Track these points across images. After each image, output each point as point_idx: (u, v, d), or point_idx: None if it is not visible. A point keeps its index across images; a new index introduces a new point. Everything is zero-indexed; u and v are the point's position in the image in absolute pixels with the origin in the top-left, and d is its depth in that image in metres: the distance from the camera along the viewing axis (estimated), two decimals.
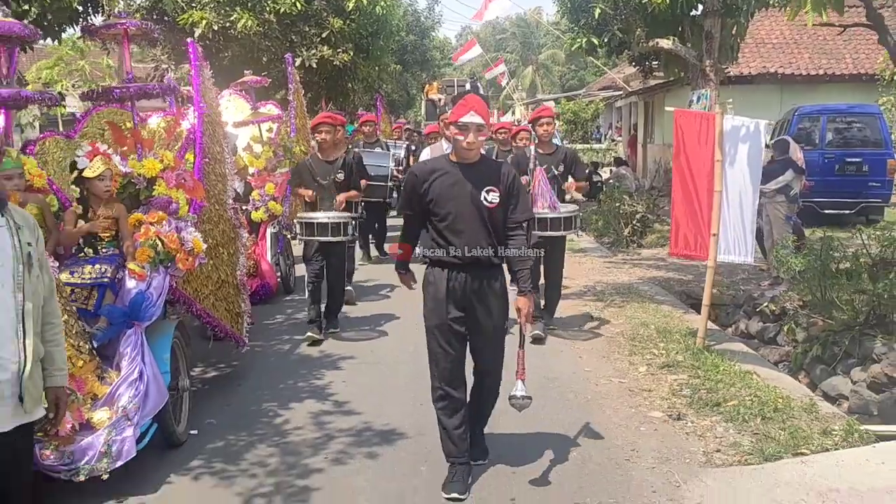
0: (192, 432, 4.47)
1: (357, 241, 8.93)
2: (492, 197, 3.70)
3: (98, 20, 8.95)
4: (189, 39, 5.35)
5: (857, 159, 12.08)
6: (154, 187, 4.56)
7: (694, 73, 11.84)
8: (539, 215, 6.12)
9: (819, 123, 12.51)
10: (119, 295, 4.15)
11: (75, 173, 4.34)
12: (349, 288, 7.68)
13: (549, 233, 6.24)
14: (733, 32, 12.08)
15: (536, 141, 6.67)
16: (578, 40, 12.04)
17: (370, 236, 10.27)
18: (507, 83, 25.15)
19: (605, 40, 12.06)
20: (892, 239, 6.31)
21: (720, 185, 5.87)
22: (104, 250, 4.34)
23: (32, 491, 2.91)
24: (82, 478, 3.55)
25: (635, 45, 12.07)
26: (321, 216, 6.37)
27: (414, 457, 4.12)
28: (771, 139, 13.21)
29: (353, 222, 6.83)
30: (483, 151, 4.08)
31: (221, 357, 5.86)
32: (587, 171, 7.61)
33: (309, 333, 6.36)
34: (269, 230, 8.00)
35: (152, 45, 10.33)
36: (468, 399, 3.90)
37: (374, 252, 10.25)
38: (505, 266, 3.89)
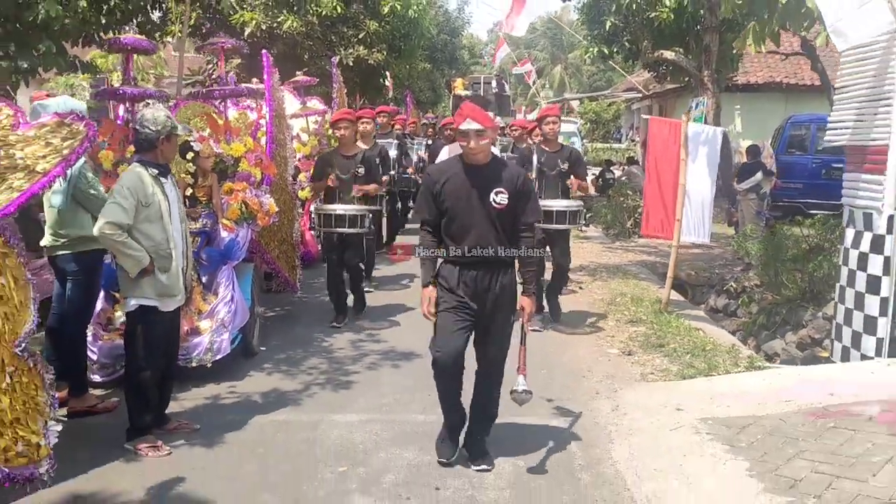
0: (261, 348, 6.10)
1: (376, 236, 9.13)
2: (500, 198, 3.89)
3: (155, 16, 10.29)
4: (265, 54, 6.97)
5: (842, 165, 13.39)
6: (239, 164, 6.19)
7: (694, 82, 13.30)
8: (545, 208, 6.27)
9: (809, 131, 13.88)
10: (215, 241, 5.79)
11: (189, 153, 5.94)
12: (369, 289, 8.05)
13: (553, 226, 6.61)
14: (734, 46, 13.51)
15: (541, 138, 7.11)
16: (591, 49, 13.53)
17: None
18: (534, 82, 26.57)
19: (616, 50, 13.54)
20: (822, 229, 7.77)
21: (684, 179, 7.37)
22: (203, 209, 5.97)
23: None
24: (194, 364, 5.20)
25: (642, 55, 13.54)
26: (339, 208, 6.71)
27: (425, 368, 5.70)
28: (771, 144, 14.69)
29: (370, 215, 7.11)
30: (498, 148, 4.80)
31: (278, 303, 7.52)
32: (599, 171, 8.53)
33: (333, 323, 6.83)
34: (312, 206, 9.61)
35: (234, 54, 11.22)
36: (472, 398, 4.17)
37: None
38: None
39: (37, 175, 3.63)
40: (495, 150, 7.97)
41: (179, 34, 10.08)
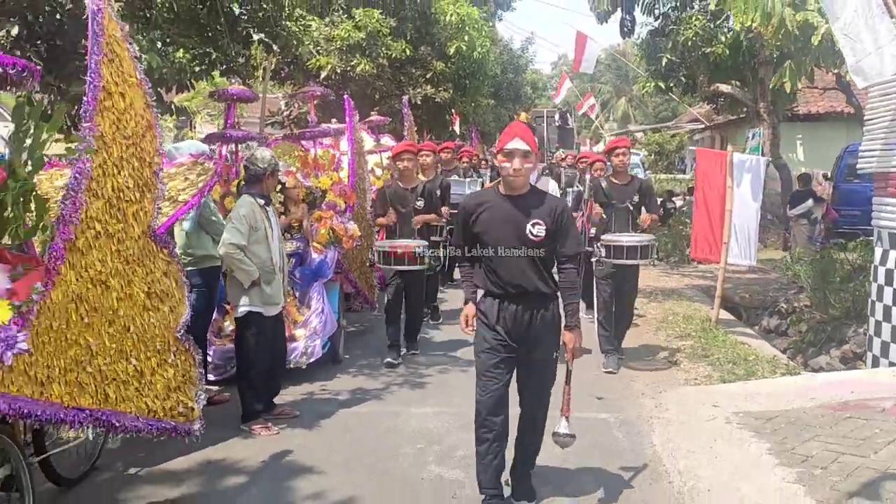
0: (345, 356, 7.03)
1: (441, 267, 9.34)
2: (537, 230, 3.78)
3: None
4: (345, 95, 8.02)
5: None
6: (326, 195, 7.19)
7: (750, 114, 13.91)
8: (615, 243, 6.46)
9: None
10: (307, 262, 6.77)
11: (279, 186, 6.97)
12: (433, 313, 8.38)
13: (624, 261, 6.49)
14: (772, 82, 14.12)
15: (611, 171, 7.02)
16: (648, 84, 14.30)
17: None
18: (597, 116, 27.38)
19: (673, 84, 14.28)
20: (865, 251, 8.32)
21: (730, 205, 8.06)
22: (296, 234, 6.97)
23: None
24: (292, 366, 6.14)
25: (699, 89, 14.24)
26: (399, 244, 6.71)
27: None
28: (831, 172, 15.13)
29: (431, 250, 7.01)
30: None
31: (359, 320, 8.49)
32: (660, 200, 8.37)
33: (388, 359, 6.79)
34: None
35: (323, 102, 11.88)
36: (514, 434, 4.08)
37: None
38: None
39: (179, 204, 4.65)
40: (553, 185, 8.30)
41: (261, 78, 11.24)
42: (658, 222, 7.09)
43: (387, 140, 12.10)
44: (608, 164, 7.28)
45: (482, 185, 12.59)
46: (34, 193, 3.03)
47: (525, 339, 3.86)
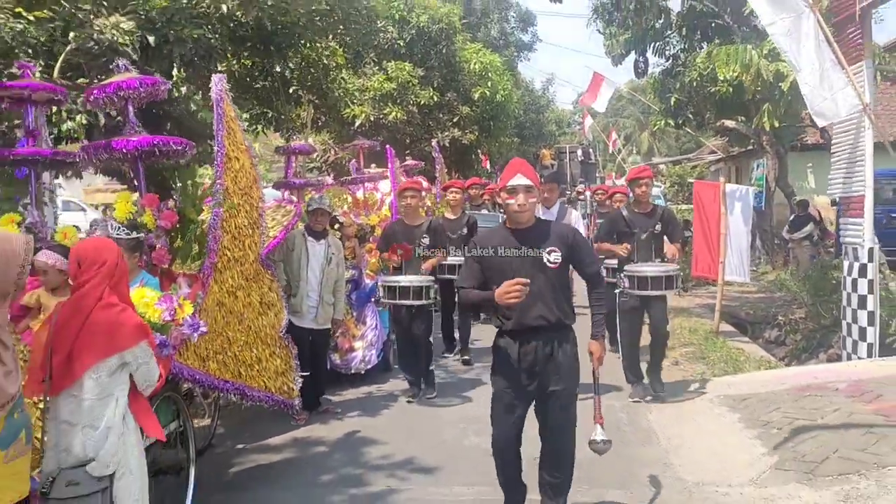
0: (395, 365, 8.40)
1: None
2: (554, 257, 3.85)
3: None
4: (387, 145, 9.49)
5: None
6: (374, 230, 8.63)
7: (756, 146, 15.22)
8: (639, 274, 6.50)
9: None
10: (361, 286, 8.18)
11: (337, 224, 8.41)
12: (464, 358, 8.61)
13: (649, 291, 6.53)
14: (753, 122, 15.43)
15: (633, 201, 6.98)
16: (658, 122, 15.69)
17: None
18: (619, 150, 28.78)
19: (682, 122, 15.65)
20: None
21: (724, 229, 9.36)
22: (350, 263, 8.39)
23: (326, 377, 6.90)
24: (353, 371, 7.52)
25: (706, 125, 15.59)
26: (403, 280, 6.76)
27: None
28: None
29: (437, 286, 7.06)
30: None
31: None
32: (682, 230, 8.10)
33: (408, 399, 7.05)
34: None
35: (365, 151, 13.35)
36: (539, 474, 4.18)
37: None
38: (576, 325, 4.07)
39: (271, 238, 6.09)
40: (577, 214, 8.90)
41: (299, 130, 12.66)
42: (680, 253, 7.00)
43: (420, 181, 13.54)
44: (629, 194, 7.39)
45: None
46: (200, 231, 4.45)
47: (545, 373, 3.89)
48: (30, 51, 6.62)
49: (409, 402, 7.01)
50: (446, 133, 18.69)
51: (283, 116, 12.07)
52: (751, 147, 18.17)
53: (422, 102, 18.00)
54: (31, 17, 6.48)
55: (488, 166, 22.92)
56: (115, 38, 6.53)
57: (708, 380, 7.40)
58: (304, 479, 5.19)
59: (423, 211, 8.42)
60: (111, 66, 5.15)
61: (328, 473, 5.30)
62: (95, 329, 3.26)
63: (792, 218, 13.09)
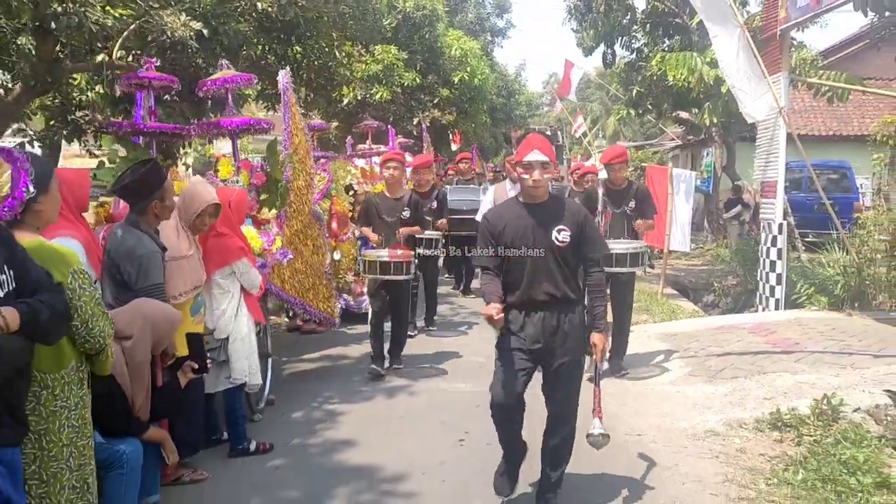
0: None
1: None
2: (563, 236, 3.91)
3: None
4: (390, 129, 11.24)
5: (830, 201, 17.12)
6: None
7: (706, 136, 17.26)
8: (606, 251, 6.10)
9: (802, 174, 17.65)
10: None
11: (350, 191, 10.18)
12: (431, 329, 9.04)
13: (615, 269, 6.43)
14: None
15: (607, 180, 7.13)
16: (620, 112, 17.63)
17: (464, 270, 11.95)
18: (584, 133, 30.63)
19: (641, 112, 17.61)
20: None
21: (671, 206, 11.33)
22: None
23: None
24: (363, 311, 9.33)
25: (663, 116, 17.57)
26: (383, 254, 6.77)
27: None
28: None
29: (416, 261, 7.13)
30: (552, 191, 4.30)
31: None
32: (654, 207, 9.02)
33: (372, 366, 6.95)
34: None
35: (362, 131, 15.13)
36: (542, 448, 4.20)
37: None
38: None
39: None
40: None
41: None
42: (652, 227, 7.19)
43: (407, 157, 15.34)
44: (598, 174, 7.85)
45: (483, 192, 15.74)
46: (282, 188, 6.17)
47: (551, 344, 3.96)
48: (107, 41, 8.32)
49: (372, 373, 6.90)
50: (426, 113, 20.39)
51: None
52: (703, 137, 20.24)
53: (405, 84, 19.64)
54: (116, 14, 8.13)
55: (454, 147, 24.74)
56: (184, 34, 8.21)
57: (651, 325, 9.38)
58: (342, 377, 7.05)
59: (435, 178, 9.30)
60: (199, 64, 6.84)
61: (357, 375, 7.15)
62: (212, 249, 5.01)
63: (726, 200, 15.18)
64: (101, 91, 10.30)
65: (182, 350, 4.25)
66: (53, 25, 7.50)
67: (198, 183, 4.90)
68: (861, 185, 19.22)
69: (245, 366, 5.10)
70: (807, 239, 16.99)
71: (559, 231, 3.94)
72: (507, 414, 4.05)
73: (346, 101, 19.22)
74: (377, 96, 19.22)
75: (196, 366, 4.27)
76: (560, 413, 4.11)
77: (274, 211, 6.29)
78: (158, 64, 6.53)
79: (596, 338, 4.04)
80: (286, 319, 9.41)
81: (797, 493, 4.37)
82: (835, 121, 21.91)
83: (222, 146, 20.62)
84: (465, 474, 4.79)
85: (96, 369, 3.02)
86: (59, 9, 7.65)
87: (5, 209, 2.74)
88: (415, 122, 19.70)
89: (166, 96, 9.42)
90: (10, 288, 2.36)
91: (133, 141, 6.42)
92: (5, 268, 2.37)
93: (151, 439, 3.79)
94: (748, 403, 5.90)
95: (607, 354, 5.05)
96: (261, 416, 5.86)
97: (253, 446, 5.11)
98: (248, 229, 5.71)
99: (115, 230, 4.13)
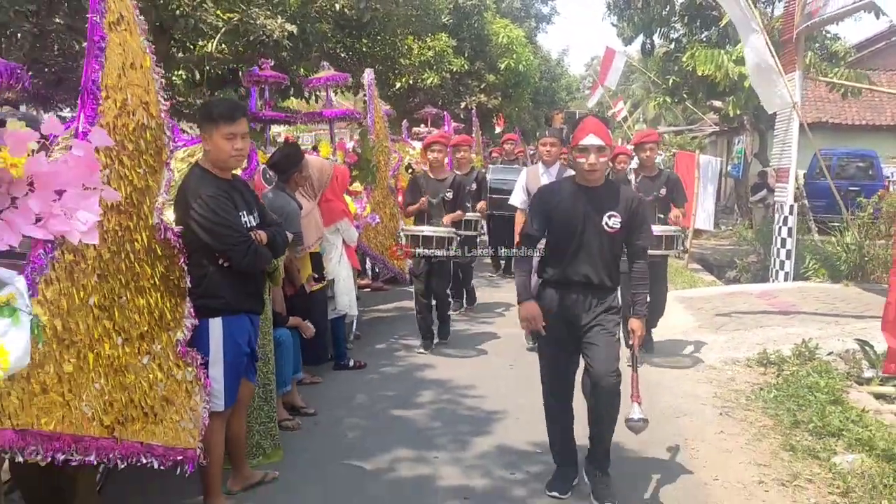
0: None
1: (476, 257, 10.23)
2: (613, 222, 3.96)
3: None
4: (446, 115, 12.76)
5: (857, 188, 18.30)
6: None
7: (738, 124, 18.50)
8: None
9: (831, 161, 18.84)
10: None
11: (409, 169, 11.73)
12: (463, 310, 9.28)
13: (650, 251, 5.97)
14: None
15: (639, 165, 7.34)
16: (658, 100, 18.93)
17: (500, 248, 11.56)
18: (624, 119, 31.77)
19: (677, 100, 18.89)
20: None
21: (698, 189, 12.71)
22: None
23: None
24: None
25: (698, 104, 18.82)
26: (426, 229, 7.07)
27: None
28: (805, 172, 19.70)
29: (458, 238, 7.39)
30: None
31: None
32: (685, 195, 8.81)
33: (420, 350, 7.39)
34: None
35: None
36: (587, 416, 4.19)
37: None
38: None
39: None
40: None
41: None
42: (684, 215, 7.30)
43: None
44: (632, 156, 7.96)
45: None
46: (374, 167, 7.73)
47: (584, 322, 4.01)
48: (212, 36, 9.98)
49: (420, 352, 7.32)
50: (473, 98, 21.91)
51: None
52: (735, 125, 21.44)
53: (454, 69, 21.13)
54: (225, 18, 9.77)
55: (497, 129, 26.17)
56: (280, 35, 9.81)
57: (670, 291, 10.83)
58: (411, 322, 8.64)
59: (479, 161, 10.24)
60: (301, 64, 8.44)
61: (382, 343, 8.32)
62: (322, 211, 6.56)
63: (752, 185, 16.47)
64: (184, 76, 12.07)
65: (306, 271, 5.88)
66: (173, 25, 9.26)
67: (320, 159, 6.51)
68: (893, 173, 20.35)
69: (346, 300, 6.73)
70: (831, 223, 18.43)
71: (610, 217, 3.98)
72: (556, 405, 4.27)
73: (398, 85, 20.83)
74: (428, 81, 20.75)
75: (317, 276, 5.94)
76: (599, 372, 3.95)
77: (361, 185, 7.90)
78: (273, 64, 8.05)
79: (635, 324, 4.10)
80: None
81: (768, 405, 5.86)
82: (868, 110, 22.90)
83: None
84: (514, 385, 6.37)
85: (273, 282, 4.64)
86: (178, 11, 9.38)
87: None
88: (462, 106, 21.21)
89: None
90: (256, 222, 3.97)
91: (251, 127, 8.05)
92: (254, 208, 3.98)
93: (292, 326, 5.46)
94: (742, 347, 7.39)
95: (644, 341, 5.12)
96: (351, 345, 7.49)
97: (352, 363, 6.76)
98: (346, 198, 7.32)
99: (266, 193, 5.73)
